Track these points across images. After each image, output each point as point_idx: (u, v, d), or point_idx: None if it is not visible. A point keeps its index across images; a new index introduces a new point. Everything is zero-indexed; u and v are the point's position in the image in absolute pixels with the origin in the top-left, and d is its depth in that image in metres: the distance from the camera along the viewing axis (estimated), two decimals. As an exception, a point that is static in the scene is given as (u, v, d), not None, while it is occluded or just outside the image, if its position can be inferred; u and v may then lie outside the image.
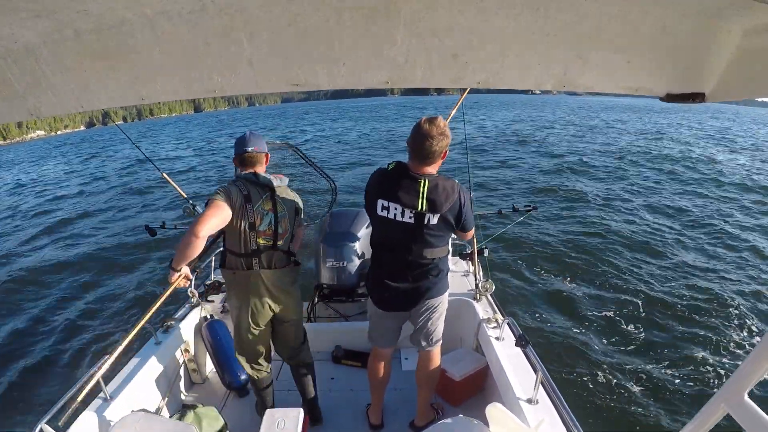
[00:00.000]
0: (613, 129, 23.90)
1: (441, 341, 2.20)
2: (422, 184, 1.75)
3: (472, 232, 2.03)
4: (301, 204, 2.17)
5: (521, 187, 11.12)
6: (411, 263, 1.89)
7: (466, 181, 3.60)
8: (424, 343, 2.15)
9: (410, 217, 1.79)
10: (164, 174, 3.27)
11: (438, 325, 2.13)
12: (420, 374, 2.27)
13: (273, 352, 2.39)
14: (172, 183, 3.24)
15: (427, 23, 0.82)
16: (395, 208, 1.79)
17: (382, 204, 1.82)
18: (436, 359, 2.24)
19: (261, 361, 2.29)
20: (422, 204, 1.76)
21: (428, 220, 1.78)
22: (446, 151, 1.77)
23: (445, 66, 0.91)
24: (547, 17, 0.80)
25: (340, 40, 0.85)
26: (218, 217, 1.84)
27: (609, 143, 18.01)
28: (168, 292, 2.28)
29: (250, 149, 1.98)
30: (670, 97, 0.94)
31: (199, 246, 1.79)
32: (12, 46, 0.84)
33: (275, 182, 2.01)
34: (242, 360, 2.26)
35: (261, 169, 2.04)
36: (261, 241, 1.99)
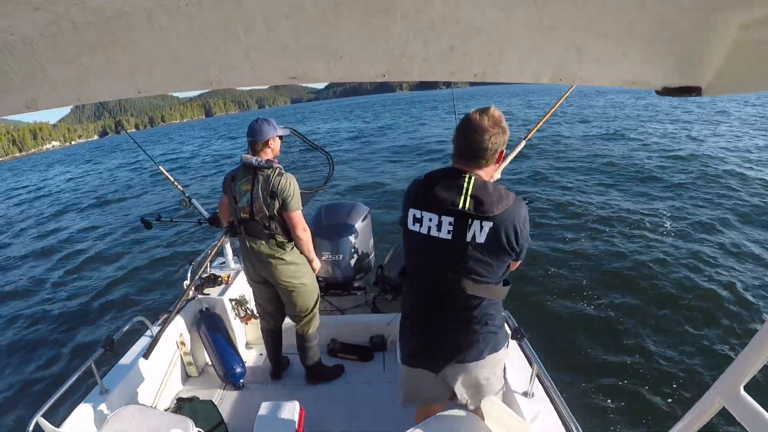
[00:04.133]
0: (611, 116, 23.27)
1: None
2: (467, 180, 1.34)
3: (519, 262, 1.53)
4: (284, 191, 2.25)
5: (519, 180, 10.99)
6: (443, 300, 1.43)
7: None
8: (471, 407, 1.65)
9: (449, 231, 1.34)
10: (161, 167, 3.29)
11: (489, 392, 1.58)
12: None
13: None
14: (169, 177, 3.25)
15: (424, 15, 0.81)
16: (429, 219, 1.36)
17: (414, 215, 1.40)
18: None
19: (265, 315, 2.66)
20: (464, 201, 1.32)
21: (474, 233, 1.32)
22: (502, 151, 1.39)
23: (442, 59, 0.89)
24: (544, 9, 0.79)
25: (338, 33, 0.84)
26: (221, 206, 2.53)
27: (611, 134, 17.67)
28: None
29: (249, 139, 2.30)
30: (667, 91, 0.92)
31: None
32: (9, 38, 0.84)
33: (255, 163, 2.25)
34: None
35: (265, 154, 2.31)
36: (242, 215, 2.34)
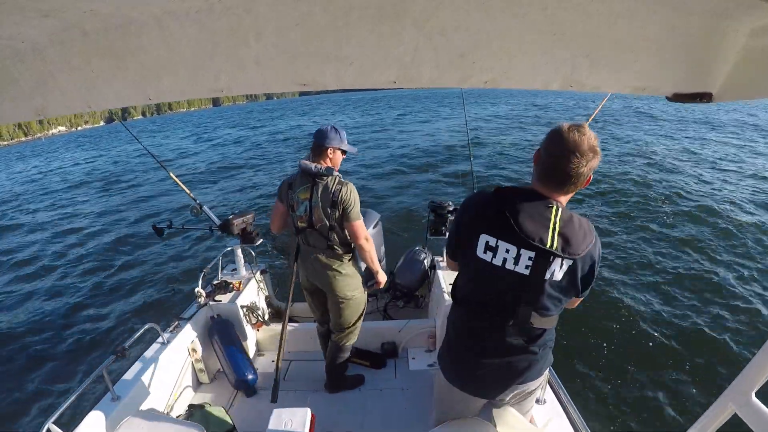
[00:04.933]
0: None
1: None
2: (554, 212, 1.22)
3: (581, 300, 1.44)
4: (344, 200, 2.16)
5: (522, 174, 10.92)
6: (509, 332, 1.34)
7: (470, 177, 3.54)
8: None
9: (527, 266, 1.22)
10: (172, 174, 3.25)
11: (533, 398, 1.62)
12: None
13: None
14: (180, 183, 3.23)
15: (434, 22, 0.81)
16: (506, 251, 1.23)
17: (488, 242, 1.25)
18: None
19: (322, 321, 2.66)
20: (552, 239, 1.19)
21: (553, 272, 1.22)
22: (591, 176, 1.24)
23: (452, 66, 0.89)
24: (555, 16, 0.79)
25: (348, 40, 0.84)
26: (275, 214, 2.40)
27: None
28: None
29: (312, 140, 2.24)
30: (677, 97, 0.92)
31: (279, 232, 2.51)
32: (19, 45, 0.84)
33: (314, 170, 2.16)
34: None
35: (325, 161, 2.23)
36: (299, 224, 2.27)
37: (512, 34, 0.83)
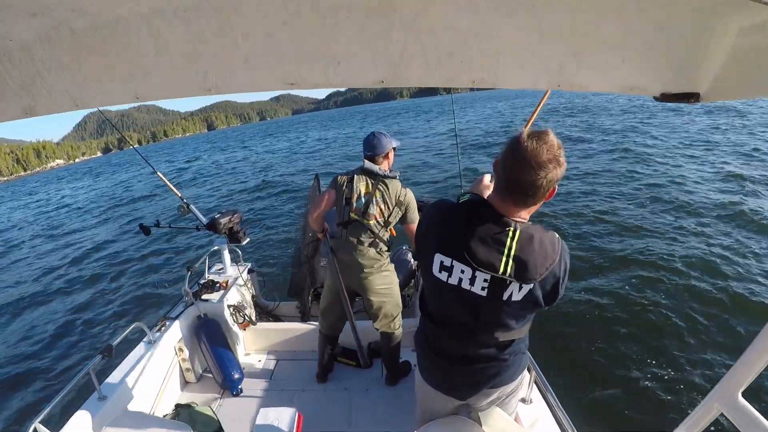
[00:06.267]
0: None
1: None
2: (511, 234, 1.12)
3: None
4: (409, 203, 2.32)
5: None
6: (476, 344, 1.32)
7: (458, 184, 3.58)
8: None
9: (483, 288, 1.17)
10: (160, 174, 3.29)
11: (514, 402, 1.57)
12: None
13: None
14: (168, 183, 3.26)
15: (422, 22, 0.82)
16: (461, 272, 1.18)
17: (442, 262, 1.20)
18: None
19: (333, 322, 2.66)
20: (506, 265, 1.12)
21: (511, 293, 1.16)
22: (554, 189, 1.11)
23: (440, 65, 0.90)
24: (543, 16, 0.80)
25: (336, 39, 0.85)
26: (322, 202, 2.36)
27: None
28: None
29: (368, 153, 2.32)
30: (665, 97, 0.93)
31: (315, 223, 2.44)
32: (7, 44, 0.84)
33: (380, 172, 2.29)
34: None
35: (383, 164, 2.34)
36: (353, 215, 2.30)
37: (500, 34, 0.84)
